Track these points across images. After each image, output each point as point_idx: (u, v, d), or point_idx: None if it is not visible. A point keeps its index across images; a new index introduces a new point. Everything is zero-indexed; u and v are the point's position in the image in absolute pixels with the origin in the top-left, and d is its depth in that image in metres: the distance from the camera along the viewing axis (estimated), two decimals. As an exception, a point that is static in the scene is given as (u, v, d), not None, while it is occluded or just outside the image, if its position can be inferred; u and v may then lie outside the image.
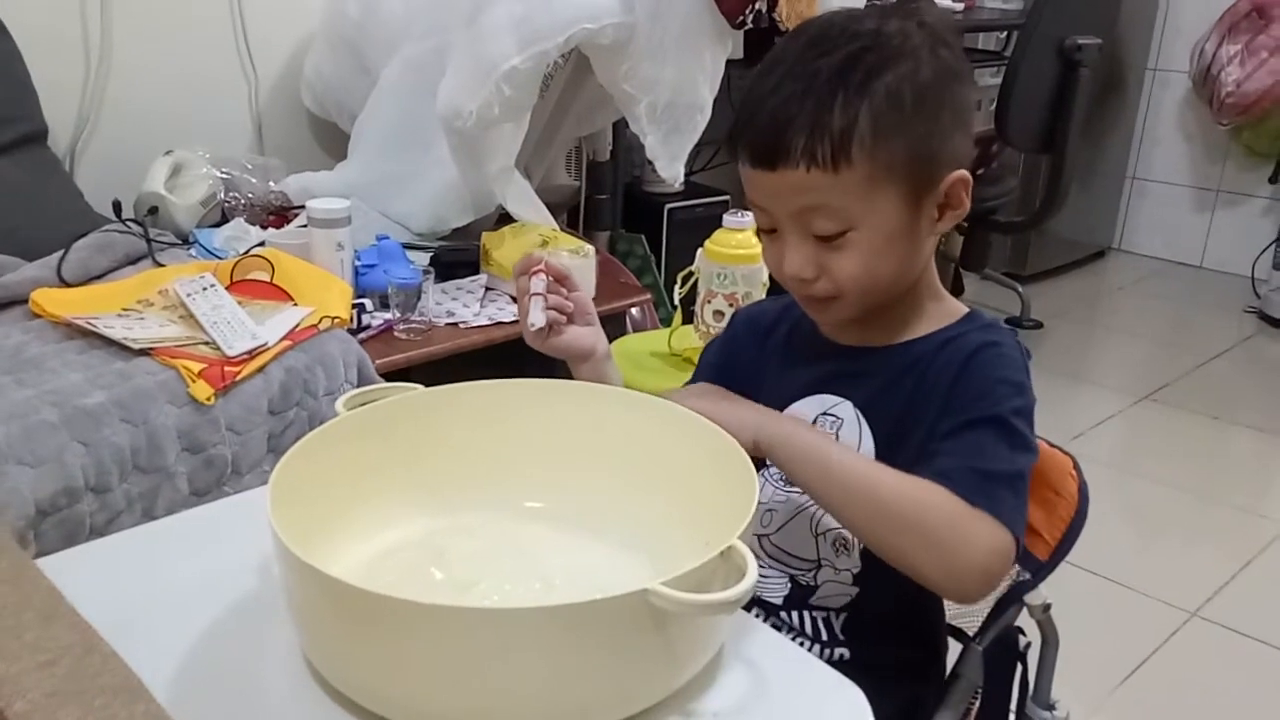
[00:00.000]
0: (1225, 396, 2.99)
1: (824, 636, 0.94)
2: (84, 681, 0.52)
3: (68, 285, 1.64)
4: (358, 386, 1.29)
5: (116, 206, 1.90)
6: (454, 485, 0.86)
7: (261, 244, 1.85)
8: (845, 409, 0.91)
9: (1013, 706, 0.97)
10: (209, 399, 1.38)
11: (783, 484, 0.95)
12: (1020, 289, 3.44)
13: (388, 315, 1.82)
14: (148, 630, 0.75)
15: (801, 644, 0.93)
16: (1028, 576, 0.93)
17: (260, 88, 2.35)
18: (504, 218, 2.15)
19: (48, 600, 0.59)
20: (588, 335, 0.99)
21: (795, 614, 0.94)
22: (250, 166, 2.15)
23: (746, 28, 1.94)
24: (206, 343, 1.46)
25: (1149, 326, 3.55)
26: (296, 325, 1.53)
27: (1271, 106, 3.56)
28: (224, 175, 2.09)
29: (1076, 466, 0.93)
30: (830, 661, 0.83)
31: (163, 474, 1.35)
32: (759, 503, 0.95)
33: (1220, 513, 2.41)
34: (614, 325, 2.08)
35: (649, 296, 2.18)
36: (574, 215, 2.65)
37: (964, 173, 0.86)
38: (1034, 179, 3.44)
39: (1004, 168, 3.24)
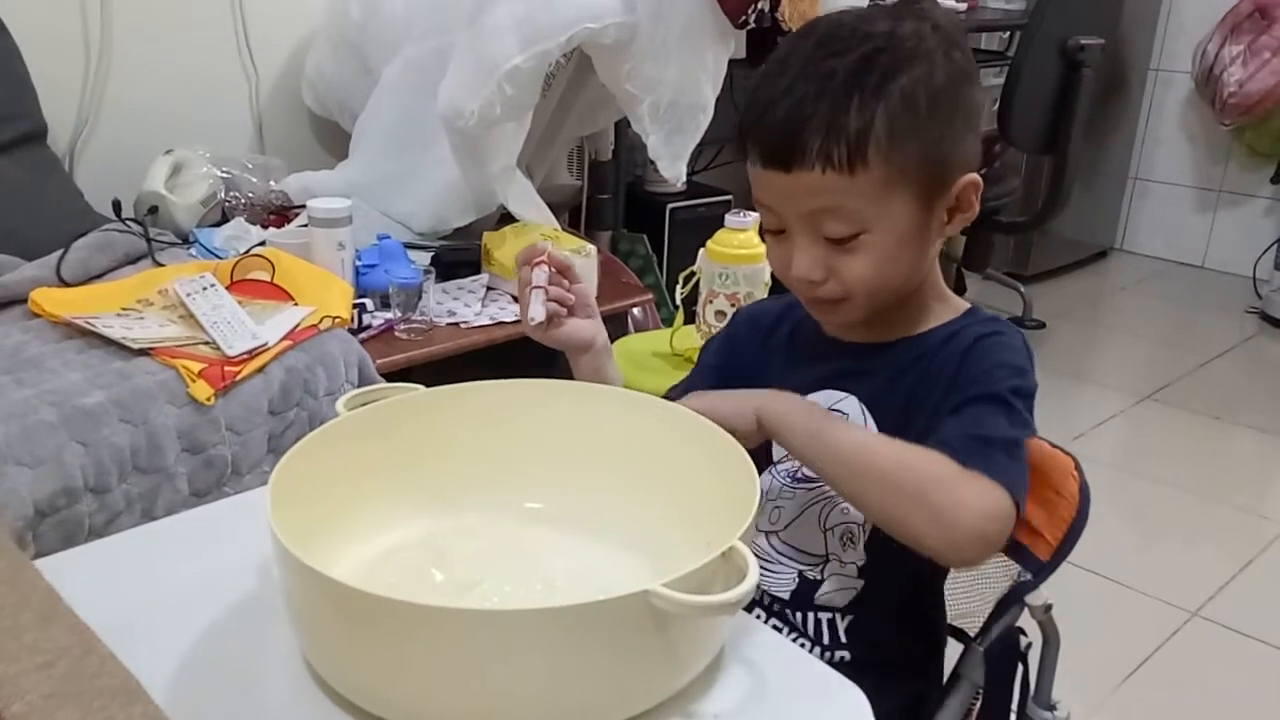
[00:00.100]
0: (1227, 397, 2.99)
1: (826, 639, 0.94)
2: (82, 683, 0.52)
3: (67, 285, 1.64)
4: (358, 386, 1.29)
5: (116, 206, 1.90)
6: (455, 486, 0.86)
7: (262, 243, 1.85)
8: (850, 404, 0.92)
9: (1014, 707, 0.97)
10: (209, 399, 1.38)
11: (790, 480, 0.96)
12: (1022, 289, 3.44)
13: (389, 315, 1.82)
14: (147, 631, 0.75)
15: (802, 645, 0.93)
16: (1029, 577, 0.93)
17: (261, 87, 2.35)
18: (505, 217, 2.14)
19: (46, 601, 0.59)
20: (587, 328, 1.00)
21: (799, 614, 0.94)
22: (251, 166, 2.14)
23: (749, 27, 1.94)
24: (206, 342, 1.46)
25: (1151, 327, 3.54)
26: (297, 325, 1.53)
27: (1274, 107, 3.56)
28: (224, 174, 2.08)
29: (1078, 467, 0.93)
30: (831, 663, 0.83)
31: (162, 474, 1.35)
32: (768, 499, 0.96)
33: (1221, 513, 2.41)
34: (616, 325, 2.08)
35: (651, 296, 2.18)
36: (576, 215, 2.65)
37: (975, 176, 0.87)
38: (1036, 179, 3.44)
39: (1006, 168, 3.24)
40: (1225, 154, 3.88)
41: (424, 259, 2.01)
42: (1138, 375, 3.12)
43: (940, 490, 0.78)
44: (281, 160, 2.25)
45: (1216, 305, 3.67)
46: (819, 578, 0.94)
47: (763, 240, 1.26)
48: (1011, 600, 0.94)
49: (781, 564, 0.95)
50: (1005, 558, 0.96)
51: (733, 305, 1.66)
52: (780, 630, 0.94)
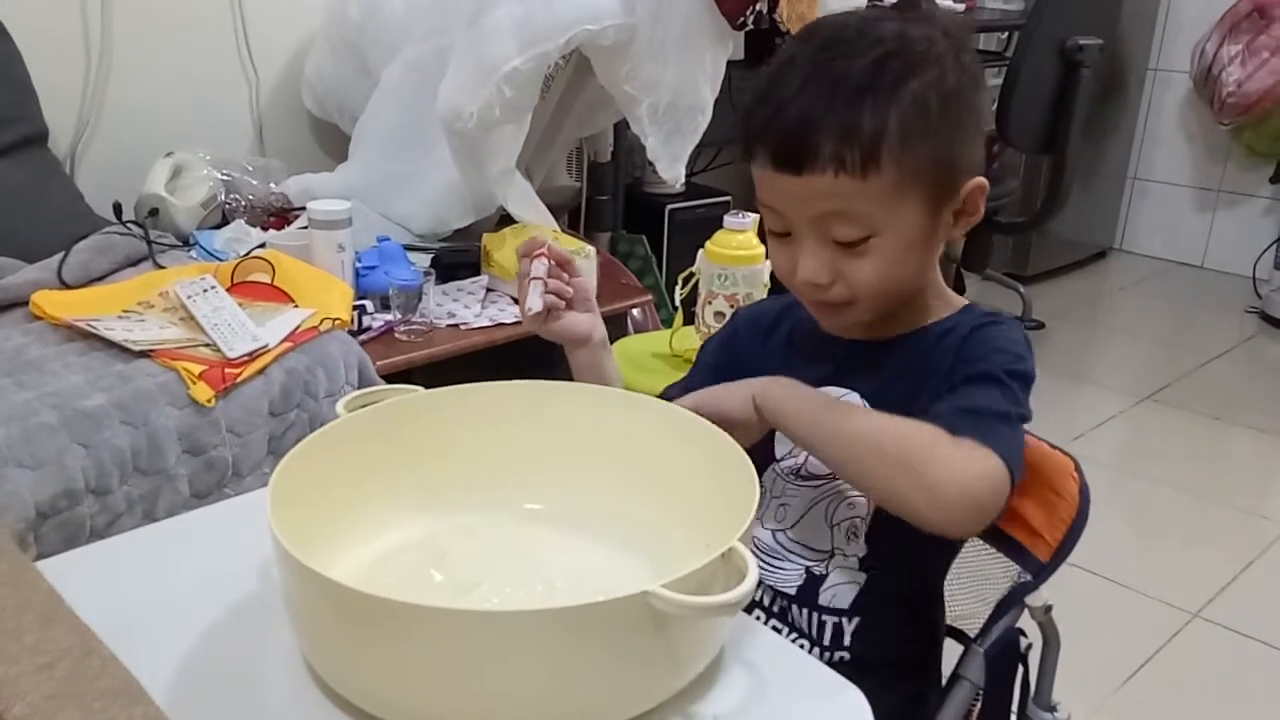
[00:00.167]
0: (1226, 397, 2.99)
1: (826, 639, 0.94)
2: (83, 684, 0.52)
3: (68, 287, 1.64)
4: (358, 388, 1.29)
5: (117, 208, 1.90)
6: (455, 487, 0.86)
7: (262, 245, 1.85)
8: (852, 400, 0.92)
9: (1014, 708, 0.97)
10: (209, 401, 1.38)
11: (794, 477, 0.96)
12: (1021, 289, 3.44)
13: (388, 317, 1.82)
14: (147, 633, 0.75)
15: (802, 645, 0.93)
16: (1029, 578, 0.93)
17: (261, 89, 2.35)
18: (505, 219, 2.14)
19: (47, 603, 0.59)
20: (585, 321, 1.00)
21: (803, 611, 0.94)
22: (251, 168, 2.15)
23: (747, 28, 1.94)
24: (207, 344, 1.46)
25: (1150, 327, 3.54)
26: (297, 327, 1.53)
27: (1272, 107, 3.56)
28: (224, 177, 2.09)
29: (1078, 467, 0.93)
30: (830, 663, 0.83)
31: (163, 476, 1.35)
32: (773, 497, 0.96)
33: (1221, 513, 2.41)
34: (615, 326, 2.08)
35: (650, 297, 2.18)
36: (575, 216, 2.65)
37: (982, 179, 0.87)
38: (1035, 179, 3.44)
39: (1005, 168, 3.24)
40: (1224, 154, 3.88)
41: (424, 261, 2.01)
42: (1137, 375, 3.12)
43: (924, 451, 0.78)
44: (281, 162, 2.26)
45: (1216, 305, 3.67)
46: (824, 572, 0.94)
47: (763, 242, 1.26)
48: (1011, 601, 0.94)
49: (789, 560, 0.96)
50: (1005, 558, 0.96)
51: (732, 306, 1.66)
52: (780, 631, 0.94)
